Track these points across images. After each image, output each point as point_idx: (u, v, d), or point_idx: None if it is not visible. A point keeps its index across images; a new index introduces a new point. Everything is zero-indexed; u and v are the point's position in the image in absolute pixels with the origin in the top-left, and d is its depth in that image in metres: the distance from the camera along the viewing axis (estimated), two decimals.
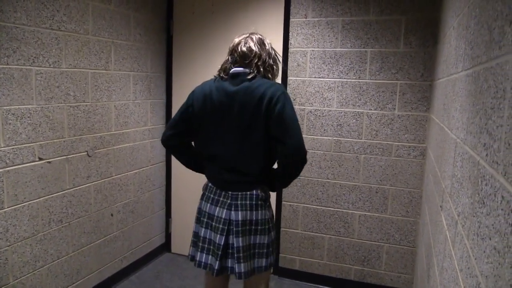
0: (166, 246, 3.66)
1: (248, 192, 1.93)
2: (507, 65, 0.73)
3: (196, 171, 2.20)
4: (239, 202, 1.93)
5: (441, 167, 1.71)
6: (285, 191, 3.16)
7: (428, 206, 2.17)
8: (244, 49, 1.96)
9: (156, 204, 3.47)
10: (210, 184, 2.03)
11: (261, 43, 1.99)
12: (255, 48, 1.96)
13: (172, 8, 3.39)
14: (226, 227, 1.91)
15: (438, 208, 1.67)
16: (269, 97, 1.82)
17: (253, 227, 1.93)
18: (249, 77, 1.90)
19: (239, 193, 1.93)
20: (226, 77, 1.97)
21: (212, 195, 2.00)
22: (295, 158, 1.83)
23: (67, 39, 2.39)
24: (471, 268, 0.87)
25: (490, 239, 0.74)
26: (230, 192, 1.94)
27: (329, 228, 3.09)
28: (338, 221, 3.06)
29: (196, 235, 2.07)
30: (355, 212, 3.01)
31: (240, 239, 1.90)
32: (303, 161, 1.86)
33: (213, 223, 1.95)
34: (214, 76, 2.05)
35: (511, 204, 0.64)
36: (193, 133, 2.04)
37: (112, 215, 2.91)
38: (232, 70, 1.95)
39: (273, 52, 2.04)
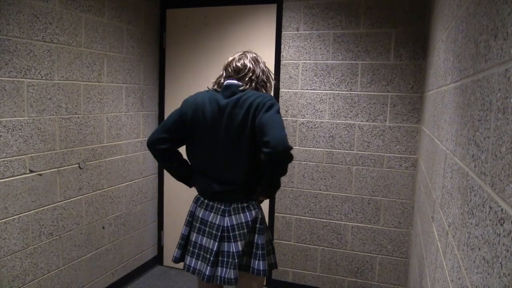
0: (158, 259, 3.63)
1: (240, 205, 1.95)
2: (492, 78, 0.75)
3: (181, 181, 2.16)
4: (232, 207, 1.96)
5: (432, 178, 1.72)
6: (277, 203, 3.15)
7: (420, 217, 2.18)
8: (238, 64, 2.00)
9: (148, 216, 3.44)
10: (201, 199, 2.04)
11: (255, 60, 2.04)
12: (249, 64, 2.00)
13: (165, 20, 3.41)
14: (219, 233, 1.92)
15: (429, 219, 1.68)
16: (256, 105, 1.86)
17: (246, 229, 1.93)
18: (240, 88, 1.94)
19: (233, 204, 1.96)
20: (219, 89, 2.01)
21: (204, 207, 2.01)
22: (277, 155, 1.72)
23: (60, 51, 2.40)
24: (462, 279, 0.88)
25: (479, 249, 0.75)
26: (223, 203, 1.96)
27: (322, 240, 3.09)
28: (331, 232, 3.06)
29: (185, 238, 2.08)
30: (348, 223, 3.01)
31: (239, 243, 1.91)
32: (286, 155, 1.74)
33: (207, 229, 1.97)
34: (208, 88, 2.08)
35: (499, 215, 0.65)
36: (182, 142, 2.06)
37: (103, 228, 2.88)
38: (226, 82, 1.99)
39: (266, 70, 2.09)
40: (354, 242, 3.01)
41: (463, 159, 0.98)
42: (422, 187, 2.23)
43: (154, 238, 3.58)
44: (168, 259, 3.59)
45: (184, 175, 2.14)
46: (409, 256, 2.82)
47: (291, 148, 1.74)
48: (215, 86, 2.05)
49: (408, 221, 2.87)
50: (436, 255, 1.35)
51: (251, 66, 2.00)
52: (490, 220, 0.70)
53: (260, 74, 2.02)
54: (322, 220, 3.07)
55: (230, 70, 2.02)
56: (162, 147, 2.01)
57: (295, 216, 3.13)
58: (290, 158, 1.78)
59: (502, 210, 0.63)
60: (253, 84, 1.99)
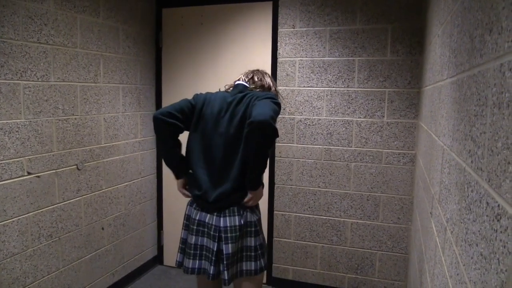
0: (158, 259, 3.63)
1: (236, 208, 1.97)
2: (488, 73, 0.75)
3: (171, 167, 2.12)
4: (226, 210, 1.98)
5: (430, 174, 1.72)
6: (276, 201, 3.15)
7: (419, 213, 2.18)
8: (253, 75, 2.15)
9: (147, 216, 3.44)
10: (193, 214, 2.05)
11: (268, 76, 2.20)
12: (261, 75, 2.16)
13: (161, 20, 3.40)
14: (217, 234, 1.94)
15: (428, 215, 1.68)
16: (256, 97, 1.92)
17: (238, 233, 1.95)
18: (248, 88, 2.07)
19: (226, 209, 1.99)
20: (229, 90, 2.14)
21: (200, 209, 2.02)
22: (257, 121, 1.67)
23: (55, 52, 2.39)
24: (460, 275, 0.88)
25: (477, 245, 0.75)
26: (214, 217, 1.98)
27: (321, 237, 3.09)
28: (331, 229, 3.06)
29: (184, 241, 2.10)
30: (347, 220, 3.01)
31: (229, 245, 1.93)
32: (267, 126, 1.68)
33: (206, 230, 1.99)
34: (219, 89, 2.23)
35: (496, 211, 0.64)
36: (186, 127, 2.06)
37: (103, 228, 2.88)
38: (236, 82, 2.12)
39: (277, 89, 2.24)
40: (353, 239, 3.01)
41: (460, 155, 0.98)
42: (420, 182, 2.23)
43: (154, 238, 3.57)
44: (168, 259, 3.59)
45: (177, 159, 2.09)
46: (409, 251, 2.82)
47: (272, 124, 1.69)
48: (226, 87, 2.20)
49: (407, 217, 2.88)
50: (435, 250, 1.34)
51: (264, 78, 2.15)
52: (487, 216, 0.69)
53: (272, 88, 2.16)
54: (322, 217, 3.07)
55: (242, 76, 2.17)
56: (169, 121, 1.95)
57: (294, 214, 3.13)
58: (271, 131, 1.71)
59: (499, 206, 0.63)
60: (263, 88, 2.12)
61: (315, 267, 3.12)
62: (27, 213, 2.27)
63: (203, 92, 2.22)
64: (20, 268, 2.24)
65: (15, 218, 2.19)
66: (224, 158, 1.97)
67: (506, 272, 0.57)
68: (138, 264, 3.34)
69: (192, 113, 2.04)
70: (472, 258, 0.78)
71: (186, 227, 2.09)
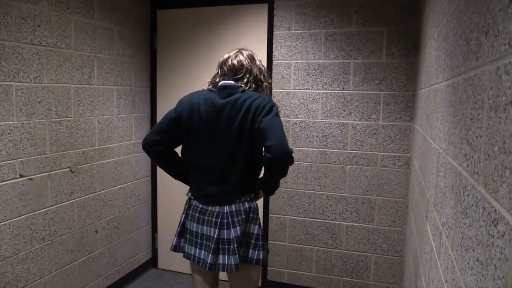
0: (152, 262, 3.60)
1: (233, 205, 1.93)
2: (484, 76, 0.74)
3: (178, 179, 2.17)
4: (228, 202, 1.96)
5: (425, 177, 1.72)
6: (271, 204, 3.14)
7: (414, 216, 2.18)
8: (234, 62, 1.96)
9: (141, 219, 3.42)
10: (194, 202, 2.02)
11: (251, 58, 2.00)
12: (245, 62, 1.96)
13: (156, 21, 3.38)
14: (219, 220, 1.91)
15: (423, 218, 1.67)
16: (255, 107, 1.84)
17: (243, 216, 1.94)
18: (240, 90, 1.91)
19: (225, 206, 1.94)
20: (214, 89, 1.98)
21: (197, 214, 1.99)
22: (279, 160, 1.76)
23: (49, 54, 2.37)
24: (456, 280, 0.87)
25: (473, 250, 0.74)
26: (216, 207, 1.94)
27: (316, 240, 3.07)
28: (326, 232, 3.05)
29: (183, 226, 2.07)
30: (342, 223, 3.00)
31: (232, 230, 1.90)
32: (288, 160, 1.79)
33: (206, 217, 1.95)
34: (203, 88, 2.06)
35: (492, 216, 0.63)
36: (178, 142, 2.04)
37: (96, 231, 2.85)
38: (221, 82, 1.95)
39: (263, 68, 2.05)
40: (349, 242, 3.01)
41: (456, 158, 0.97)
42: (415, 185, 2.23)
43: (148, 241, 3.55)
44: (162, 262, 3.57)
45: (182, 173, 2.11)
46: (404, 254, 2.81)
47: (291, 152, 1.78)
48: (210, 86, 2.01)
49: (403, 220, 2.87)
50: (430, 254, 1.34)
51: (247, 65, 1.96)
52: (483, 221, 0.68)
53: (257, 73, 1.99)
54: (317, 220, 3.06)
55: (225, 68, 1.97)
56: (157, 149, 2.01)
57: (290, 217, 3.12)
58: (291, 161, 1.84)
59: (495, 211, 0.62)
60: (253, 85, 1.96)
61: (310, 270, 3.11)
62: (19, 216, 2.24)
63: None
64: (12, 272, 2.21)
65: (7, 221, 2.16)
66: (223, 165, 1.92)
67: (503, 279, 0.56)
68: (132, 267, 3.32)
69: (177, 125, 1.96)
70: (468, 263, 0.77)
71: (188, 215, 2.06)
